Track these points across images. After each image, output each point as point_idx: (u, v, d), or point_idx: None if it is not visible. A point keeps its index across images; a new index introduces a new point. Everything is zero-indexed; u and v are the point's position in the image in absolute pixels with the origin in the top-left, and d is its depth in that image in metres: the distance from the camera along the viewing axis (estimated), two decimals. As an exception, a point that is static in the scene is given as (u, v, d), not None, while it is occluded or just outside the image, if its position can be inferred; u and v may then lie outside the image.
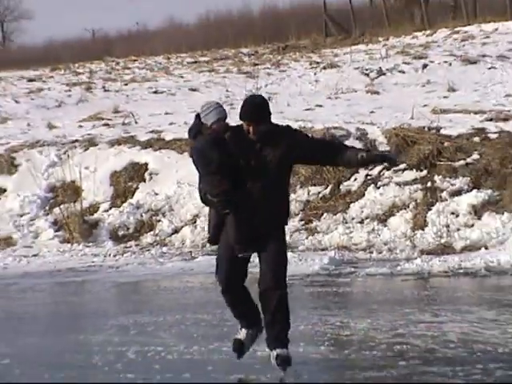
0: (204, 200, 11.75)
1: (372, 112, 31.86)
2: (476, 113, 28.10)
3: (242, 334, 11.09)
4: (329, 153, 11.65)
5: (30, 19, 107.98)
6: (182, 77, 51.32)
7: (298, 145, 11.37)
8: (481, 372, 12.92)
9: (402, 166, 25.63)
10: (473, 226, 23.02)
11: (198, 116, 11.20)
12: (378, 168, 25.96)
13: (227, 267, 11.11)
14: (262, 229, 11.04)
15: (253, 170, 10.82)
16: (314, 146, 11.65)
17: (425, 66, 44.13)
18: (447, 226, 23.25)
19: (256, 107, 11.36)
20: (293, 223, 25.49)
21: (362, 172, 26.29)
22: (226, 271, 11.15)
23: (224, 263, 11.10)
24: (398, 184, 24.78)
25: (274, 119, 30.76)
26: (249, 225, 10.84)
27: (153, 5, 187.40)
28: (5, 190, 29.11)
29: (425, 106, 31.16)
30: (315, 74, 46.42)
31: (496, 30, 53.05)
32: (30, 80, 56.49)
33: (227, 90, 41.72)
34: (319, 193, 25.63)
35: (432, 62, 45.16)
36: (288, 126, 12.08)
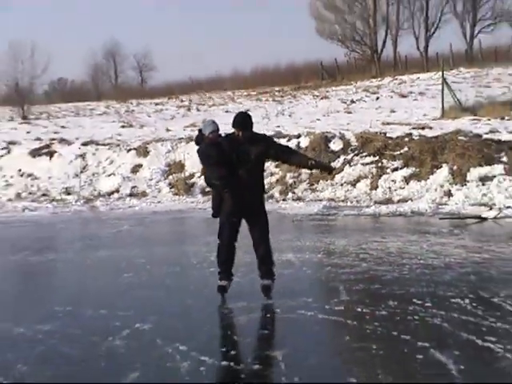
0: (209, 184, 11.55)
1: (348, 123, 31.77)
2: (406, 124, 27.95)
3: (223, 283, 10.69)
4: (288, 155, 11.28)
5: (156, 71, 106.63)
6: (241, 103, 51.40)
7: (270, 147, 11.02)
8: (408, 270, 12.89)
9: (365, 153, 25.20)
10: (404, 188, 22.96)
11: (200, 130, 11.04)
12: (351, 155, 25.47)
13: (228, 230, 10.64)
14: (247, 201, 10.59)
15: (241, 162, 10.44)
16: (279, 148, 11.30)
17: (377, 98, 44.06)
18: (389, 188, 23.21)
19: (244, 119, 11.01)
20: (302, 186, 25.45)
21: (342, 157, 25.53)
22: (227, 232, 10.64)
23: (225, 227, 10.63)
24: (362, 164, 24.65)
25: (293, 127, 30.38)
26: (239, 198, 10.42)
27: (225, 62, 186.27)
28: (142, 165, 29.03)
29: (377, 120, 31.01)
30: (316, 102, 46.41)
31: (418, 78, 52.84)
32: (156, 104, 56.62)
33: (266, 111, 41.81)
34: (318, 168, 25.59)
35: (381, 95, 45.04)
36: (264, 135, 11.86)
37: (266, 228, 11.05)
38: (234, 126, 10.80)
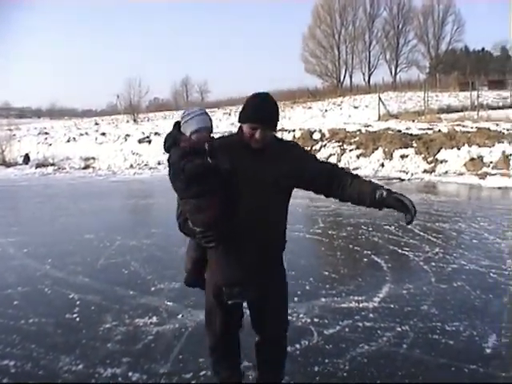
0: (183, 228, 3.78)
1: (323, 123, 30.95)
2: (358, 124, 27.54)
3: None
4: (331, 179, 3.63)
5: (210, 92, 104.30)
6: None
7: (306, 164, 3.67)
8: (358, 208, 12.76)
9: (333, 141, 24.75)
10: (356, 161, 22.72)
11: (177, 123, 3.61)
12: (325, 141, 25.20)
13: (221, 317, 3.73)
14: (258, 264, 3.63)
15: (248, 189, 3.46)
16: (318, 168, 3.68)
17: (341, 108, 43.27)
18: (348, 161, 22.91)
19: (275, 108, 3.61)
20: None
21: (320, 143, 25.11)
22: (220, 322, 3.75)
23: (216, 312, 3.73)
24: (332, 147, 24.13)
25: (291, 126, 29.24)
26: (243, 261, 3.57)
27: (252, 86, 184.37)
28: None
29: (343, 123, 30.55)
30: (304, 111, 45.38)
31: (364, 97, 52.08)
32: (210, 112, 55.54)
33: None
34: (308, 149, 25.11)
35: (343, 107, 44.30)
36: (295, 142, 3.99)
37: (286, 311, 3.91)
38: (245, 118, 3.58)
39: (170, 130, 3.54)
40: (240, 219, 3.40)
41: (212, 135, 3.49)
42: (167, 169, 3.42)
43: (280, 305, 3.83)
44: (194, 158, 3.25)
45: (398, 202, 3.41)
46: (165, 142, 3.49)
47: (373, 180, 3.45)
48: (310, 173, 3.60)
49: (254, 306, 3.78)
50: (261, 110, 3.49)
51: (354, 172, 3.77)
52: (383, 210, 3.52)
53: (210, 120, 3.48)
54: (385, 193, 3.49)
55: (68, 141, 33.80)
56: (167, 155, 3.39)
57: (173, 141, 3.44)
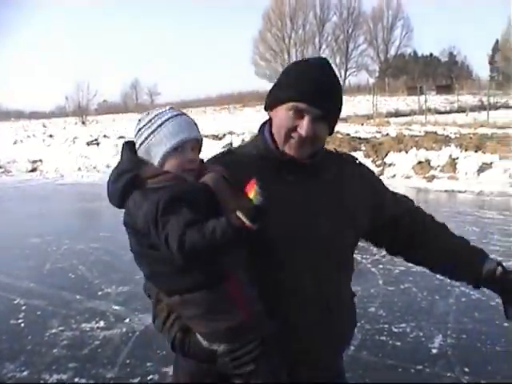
0: (182, 348, 1.61)
1: None
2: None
3: None
4: (412, 226, 2.06)
5: (160, 95, 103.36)
6: (211, 114, 50.41)
7: (384, 197, 2.21)
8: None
9: None
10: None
11: (129, 144, 1.65)
12: None
13: None
14: (320, 369, 1.78)
15: (297, 238, 1.65)
16: (398, 205, 2.18)
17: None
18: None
19: (339, 87, 1.77)
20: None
21: None
22: None
23: None
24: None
25: (239, 128, 29.05)
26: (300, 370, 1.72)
27: (203, 89, 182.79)
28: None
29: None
30: (255, 113, 45.46)
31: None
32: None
33: (224, 119, 40.83)
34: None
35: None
36: (359, 161, 2.33)
37: None
38: (280, 95, 1.75)
39: (118, 162, 1.78)
40: (288, 303, 1.80)
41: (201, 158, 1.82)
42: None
43: None
44: (192, 212, 1.57)
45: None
46: (109, 187, 1.80)
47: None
48: (391, 211, 2.13)
49: None
50: (315, 80, 1.77)
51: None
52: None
53: (195, 125, 1.83)
54: (499, 270, 1.95)
55: (15, 143, 33.18)
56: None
57: (130, 180, 1.69)
